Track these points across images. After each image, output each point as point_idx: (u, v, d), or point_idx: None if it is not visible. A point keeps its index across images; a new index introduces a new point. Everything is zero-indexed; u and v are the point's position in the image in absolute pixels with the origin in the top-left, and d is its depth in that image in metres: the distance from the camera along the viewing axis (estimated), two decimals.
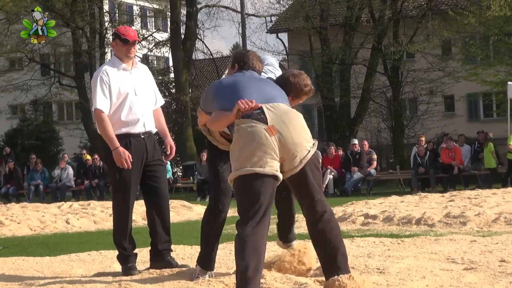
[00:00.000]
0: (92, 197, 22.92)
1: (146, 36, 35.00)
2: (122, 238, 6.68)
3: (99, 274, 6.79)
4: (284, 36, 37.62)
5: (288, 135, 4.89)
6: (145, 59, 35.27)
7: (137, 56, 30.36)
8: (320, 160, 5.87)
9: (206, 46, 38.02)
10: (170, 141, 6.95)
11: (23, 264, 7.98)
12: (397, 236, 9.39)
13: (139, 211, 13.79)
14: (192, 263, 7.12)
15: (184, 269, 6.37)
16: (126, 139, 6.61)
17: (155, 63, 40.21)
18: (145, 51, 35.20)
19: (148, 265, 6.90)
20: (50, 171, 25.56)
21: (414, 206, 12.96)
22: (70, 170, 24.77)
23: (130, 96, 6.66)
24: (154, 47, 35.35)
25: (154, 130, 6.86)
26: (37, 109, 39.24)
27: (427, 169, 21.08)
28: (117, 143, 6.52)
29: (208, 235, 5.99)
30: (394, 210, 12.12)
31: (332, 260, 5.12)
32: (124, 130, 6.63)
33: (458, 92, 34.20)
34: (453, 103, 36.25)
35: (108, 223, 13.43)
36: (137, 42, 6.78)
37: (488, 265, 6.13)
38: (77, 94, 33.85)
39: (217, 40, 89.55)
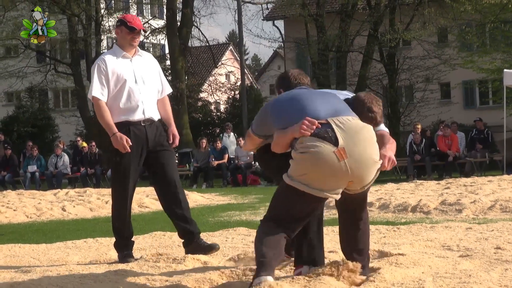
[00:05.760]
0: (88, 184, 22.89)
1: (142, 23, 34.89)
2: (120, 226, 6.67)
3: (95, 262, 6.79)
4: (280, 23, 37.60)
5: (358, 159, 4.36)
6: (141, 46, 35.13)
7: None
8: None
9: (202, 33, 38.18)
10: (173, 130, 6.82)
11: (19, 251, 7.98)
12: (393, 223, 9.39)
13: (135, 198, 13.74)
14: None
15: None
16: (126, 127, 6.56)
17: (151, 50, 40.10)
18: (141, 38, 35.08)
19: (143, 252, 6.91)
20: (46, 158, 25.52)
21: (410, 194, 12.96)
22: (66, 158, 24.73)
23: (128, 83, 6.60)
24: (150, 34, 35.27)
25: (156, 118, 6.75)
26: (33, 96, 39.18)
27: (423, 157, 21.08)
28: (115, 129, 6.47)
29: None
30: (390, 197, 12.12)
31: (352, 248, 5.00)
32: (123, 117, 6.58)
33: (454, 79, 34.19)
34: (449, 91, 36.25)
35: (104, 211, 13.42)
36: (142, 32, 6.76)
37: (484, 252, 6.13)
38: (73, 81, 33.80)
39: (213, 27, 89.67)
